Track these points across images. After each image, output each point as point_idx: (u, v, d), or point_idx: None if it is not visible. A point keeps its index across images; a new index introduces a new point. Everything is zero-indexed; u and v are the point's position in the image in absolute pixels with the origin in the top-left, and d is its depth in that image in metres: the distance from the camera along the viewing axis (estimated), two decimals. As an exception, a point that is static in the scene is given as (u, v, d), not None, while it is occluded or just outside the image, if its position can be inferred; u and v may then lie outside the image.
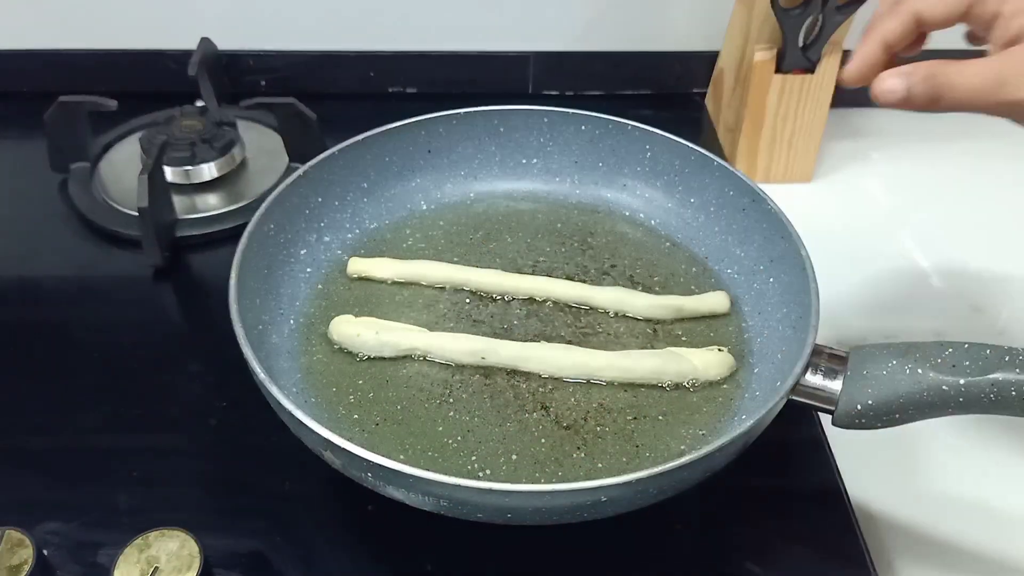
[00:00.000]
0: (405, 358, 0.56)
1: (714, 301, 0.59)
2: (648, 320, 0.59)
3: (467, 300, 0.60)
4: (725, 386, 0.55)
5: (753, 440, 0.47)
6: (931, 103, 0.44)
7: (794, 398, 0.48)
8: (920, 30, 0.47)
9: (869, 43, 0.47)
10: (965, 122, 0.89)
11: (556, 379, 0.55)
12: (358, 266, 0.61)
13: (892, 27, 0.46)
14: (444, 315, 0.59)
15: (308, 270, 0.61)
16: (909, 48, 0.48)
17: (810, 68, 0.76)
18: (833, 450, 0.57)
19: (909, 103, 0.44)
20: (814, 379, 0.48)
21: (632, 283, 0.61)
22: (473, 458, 0.50)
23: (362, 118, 0.66)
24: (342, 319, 0.57)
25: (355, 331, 0.56)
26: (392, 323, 0.57)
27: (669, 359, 0.54)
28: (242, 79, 0.88)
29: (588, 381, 0.54)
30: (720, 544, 0.52)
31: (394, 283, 0.61)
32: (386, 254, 0.63)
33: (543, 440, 0.51)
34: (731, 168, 0.62)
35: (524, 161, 0.69)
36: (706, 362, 0.54)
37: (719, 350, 0.55)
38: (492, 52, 0.89)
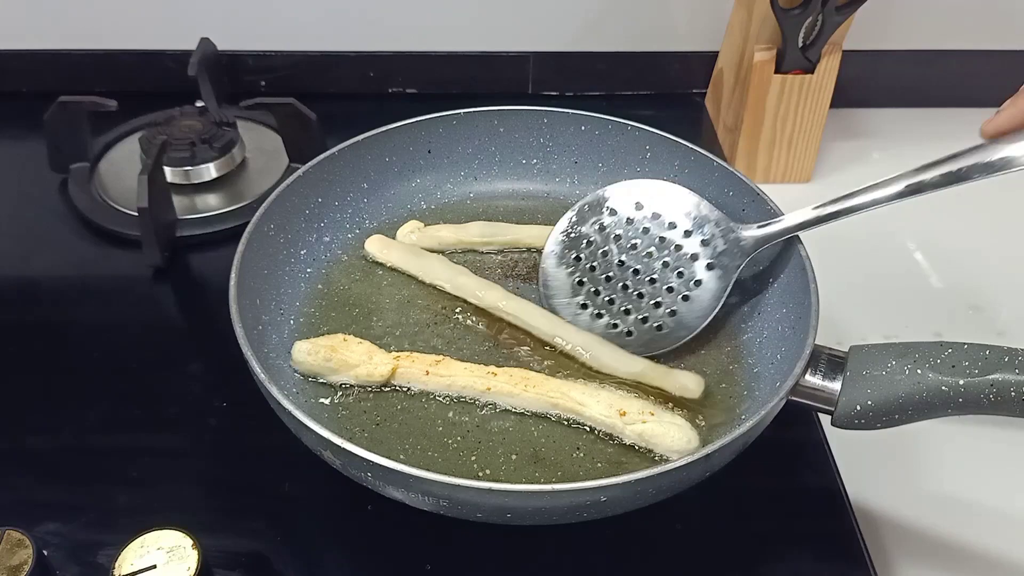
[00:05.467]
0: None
1: (684, 382, 0.54)
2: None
3: (463, 308, 0.60)
4: (724, 386, 0.55)
5: (752, 440, 0.47)
6: None
7: (793, 399, 0.48)
8: None
9: (1022, 102, 0.47)
10: (964, 122, 0.89)
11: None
12: (374, 247, 0.62)
13: None
14: (443, 316, 0.59)
15: (308, 270, 0.61)
16: None
17: (810, 68, 0.76)
18: (833, 450, 0.57)
19: None
20: (813, 379, 0.48)
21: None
22: (473, 458, 0.50)
23: (362, 118, 0.67)
24: (299, 346, 0.54)
25: (312, 367, 0.54)
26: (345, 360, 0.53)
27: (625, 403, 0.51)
28: (242, 79, 0.88)
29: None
30: (720, 544, 0.52)
31: (394, 282, 0.61)
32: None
33: (543, 440, 0.51)
34: (731, 168, 0.62)
35: (524, 161, 0.69)
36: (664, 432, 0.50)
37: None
38: (492, 52, 0.89)
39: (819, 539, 0.53)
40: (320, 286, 0.61)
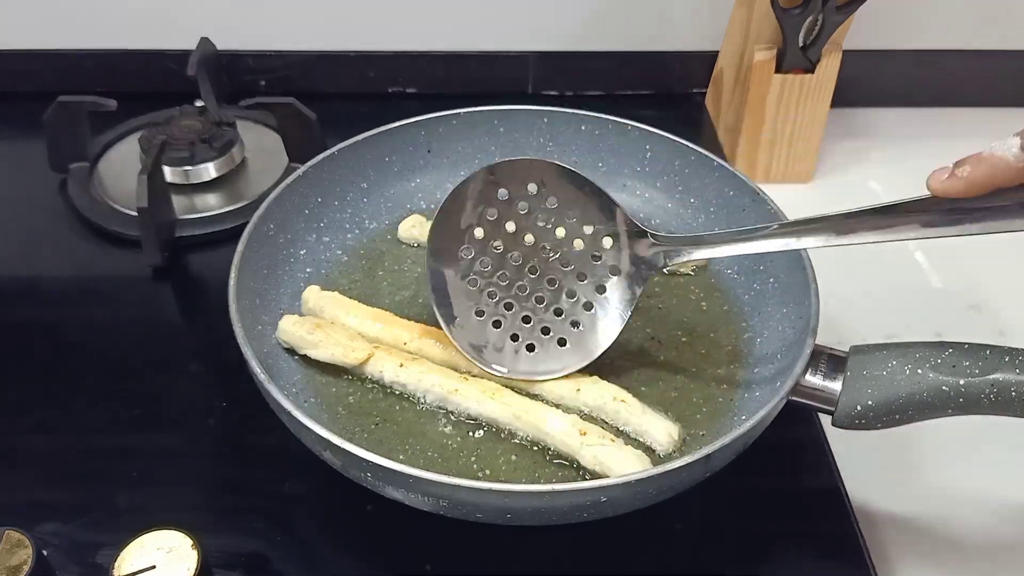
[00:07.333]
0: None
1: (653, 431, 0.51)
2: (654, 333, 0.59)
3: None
4: (724, 386, 0.55)
5: (753, 440, 0.47)
6: None
7: (794, 399, 0.48)
8: None
9: (981, 172, 0.42)
10: (964, 122, 0.90)
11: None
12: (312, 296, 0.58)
13: (1009, 176, 0.42)
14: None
15: (308, 270, 0.61)
16: None
17: (810, 68, 0.76)
18: (833, 450, 0.57)
19: None
20: (814, 379, 0.48)
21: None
22: (473, 458, 0.50)
23: (362, 118, 0.67)
24: (287, 318, 0.55)
25: (294, 336, 0.54)
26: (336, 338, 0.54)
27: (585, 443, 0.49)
28: (241, 79, 0.88)
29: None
30: (720, 544, 0.52)
31: (394, 284, 0.61)
32: (386, 255, 0.63)
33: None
34: (731, 168, 0.62)
35: (524, 161, 0.68)
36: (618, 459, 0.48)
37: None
38: (492, 52, 0.89)
39: (819, 539, 0.53)
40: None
